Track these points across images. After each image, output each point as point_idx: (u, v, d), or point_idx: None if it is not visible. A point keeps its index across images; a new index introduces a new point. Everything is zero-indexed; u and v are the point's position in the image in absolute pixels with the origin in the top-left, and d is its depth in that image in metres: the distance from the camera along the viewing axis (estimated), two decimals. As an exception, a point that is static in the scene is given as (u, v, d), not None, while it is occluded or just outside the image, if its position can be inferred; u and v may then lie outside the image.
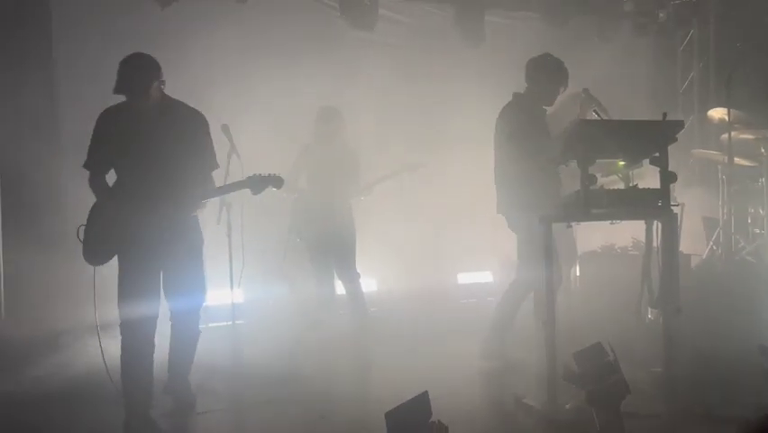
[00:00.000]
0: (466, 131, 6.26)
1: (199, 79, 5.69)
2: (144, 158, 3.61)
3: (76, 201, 4.04)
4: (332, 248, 5.48)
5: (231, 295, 4.77)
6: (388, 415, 2.56)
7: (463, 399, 3.79)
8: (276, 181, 3.89)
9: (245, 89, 5.86)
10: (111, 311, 3.68)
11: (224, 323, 5.21)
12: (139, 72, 3.58)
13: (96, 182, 3.70)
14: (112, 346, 3.78)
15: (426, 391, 2.78)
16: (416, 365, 4.57)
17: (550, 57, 4.53)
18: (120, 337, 3.59)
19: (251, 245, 5.02)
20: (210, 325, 5.49)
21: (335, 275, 5.59)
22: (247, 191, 3.87)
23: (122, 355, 3.58)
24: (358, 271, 5.53)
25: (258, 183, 3.82)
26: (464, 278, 7.63)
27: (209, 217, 5.03)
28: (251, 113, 5.59)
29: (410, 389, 2.80)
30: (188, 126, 3.74)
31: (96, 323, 3.60)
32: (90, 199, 3.69)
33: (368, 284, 6.02)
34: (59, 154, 5.31)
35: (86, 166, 3.70)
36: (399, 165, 5.77)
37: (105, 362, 3.62)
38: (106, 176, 3.73)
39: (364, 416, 3.59)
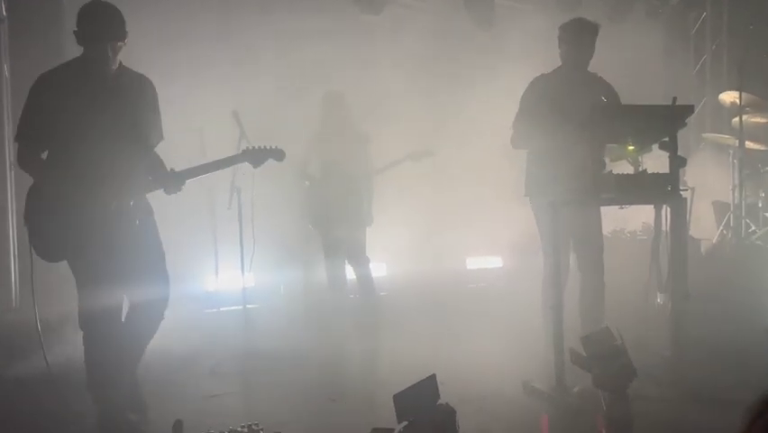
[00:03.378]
0: (476, 116, 6.24)
1: (206, 64, 5.71)
2: (101, 133, 3.10)
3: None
4: (343, 233, 5.50)
5: (242, 279, 4.81)
6: (397, 397, 2.59)
7: (471, 382, 3.81)
8: (277, 154, 3.61)
9: (252, 74, 5.86)
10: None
11: (236, 307, 5.27)
12: (118, 20, 3.10)
13: (35, 160, 3.18)
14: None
15: (434, 374, 2.81)
16: (425, 349, 4.59)
17: (563, 24, 4.28)
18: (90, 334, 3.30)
19: (262, 230, 5.06)
20: (222, 309, 5.56)
21: (346, 260, 5.62)
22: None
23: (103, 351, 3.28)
24: (368, 255, 5.56)
25: (255, 156, 3.51)
26: (473, 263, 7.66)
27: (220, 201, 5.08)
28: (259, 98, 5.60)
29: (418, 372, 2.83)
30: (143, 96, 3.31)
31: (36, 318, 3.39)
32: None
33: (377, 268, 6.04)
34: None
35: (19, 138, 3.15)
36: (402, 155, 5.56)
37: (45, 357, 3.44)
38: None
39: (373, 398, 3.63)
